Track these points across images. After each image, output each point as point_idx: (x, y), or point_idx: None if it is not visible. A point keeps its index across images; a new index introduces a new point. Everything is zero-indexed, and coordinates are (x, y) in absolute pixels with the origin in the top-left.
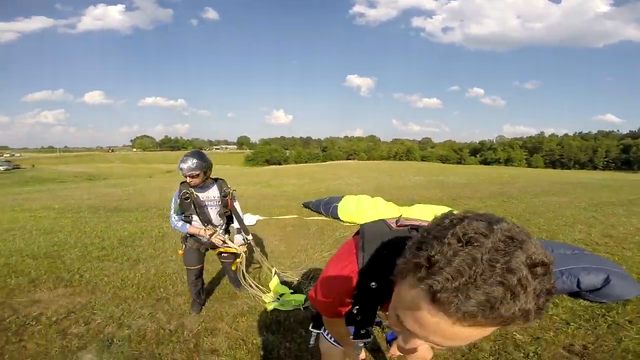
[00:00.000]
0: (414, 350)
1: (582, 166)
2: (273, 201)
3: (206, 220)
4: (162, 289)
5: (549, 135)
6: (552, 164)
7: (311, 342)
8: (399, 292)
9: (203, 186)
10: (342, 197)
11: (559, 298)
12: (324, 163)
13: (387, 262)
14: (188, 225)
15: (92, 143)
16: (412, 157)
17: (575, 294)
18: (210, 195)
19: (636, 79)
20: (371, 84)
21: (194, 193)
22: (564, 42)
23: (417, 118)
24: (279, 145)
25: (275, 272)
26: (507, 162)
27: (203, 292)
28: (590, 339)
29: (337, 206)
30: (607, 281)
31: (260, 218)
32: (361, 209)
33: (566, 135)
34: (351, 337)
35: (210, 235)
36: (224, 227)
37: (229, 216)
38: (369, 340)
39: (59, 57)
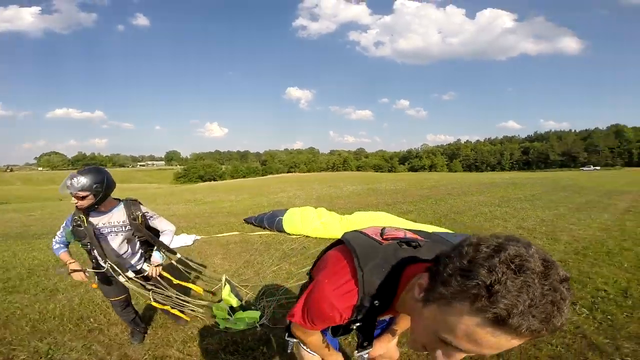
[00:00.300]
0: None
1: (493, 168)
2: (210, 219)
3: (101, 254)
4: (92, 319)
5: (465, 142)
6: (469, 167)
7: (288, 350)
8: (441, 317)
9: (100, 210)
10: (286, 210)
11: None
12: (263, 177)
13: (389, 280)
14: (62, 251)
15: None
16: (348, 167)
17: None
18: (113, 220)
19: (530, 89)
20: (310, 96)
21: (85, 218)
22: (476, 55)
23: (352, 129)
24: (213, 160)
25: (226, 279)
26: (431, 167)
27: (140, 319)
28: None
29: (281, 219)
30: None
31: (198, 237)
32: (306, 220)
33: (478, 141)
34: (355, 351)
35: (73, 272)
36: (137, 255)
37: (146, 241)
38: (370, 349)
39: None
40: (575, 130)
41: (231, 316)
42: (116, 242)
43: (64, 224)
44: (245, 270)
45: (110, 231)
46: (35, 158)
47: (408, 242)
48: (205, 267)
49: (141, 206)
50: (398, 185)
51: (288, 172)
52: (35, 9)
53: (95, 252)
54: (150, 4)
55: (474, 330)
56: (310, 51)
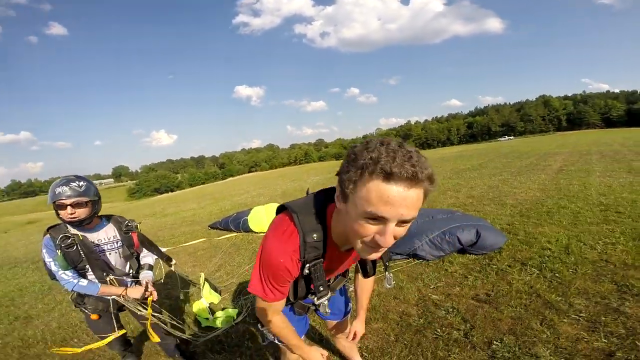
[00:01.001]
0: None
1: (444, 144)
2: (174, 230)
3: (105, 271)
4: (76, 340)
5: (415, 123)
6: (422, 146)
7: (268, 339)
8: (358, 199)
9: (90, 226)
10: (250, 209)
11: (452, 257)
12: (224, 181)
13: (319, 215)
14: (92, 284)
15: None
16: (310, 159)
17: (461, 251)
18: (106, 236)
19: (466, 68)
20: (261, 93)
21: (80, 235)
22: (413, 40)
23: (309, 121)
24: (167, 170)
25: (205, 279)
26: None
27: (131, 345)
28: (488, 287)
29: (247, 219)
30: (478, 235)
31: (164, 249)
32: (271, 216)
33: (427, 121)
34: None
35: (123, 294)
36: (132, 273)
37: (137, 257)
38: (330, 295)
39: None
40: (509, 103)
41: (212, 315)
42: (114, 258)
43: (45, 253)
44: (218, 273)
45: (107, 248)
46: None
47: (327, 190)
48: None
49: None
50: None
51: (249, 172)
52: None
53: (94, 275)
54: (64, 12)
55: (379, 189)
56: (255, 47)
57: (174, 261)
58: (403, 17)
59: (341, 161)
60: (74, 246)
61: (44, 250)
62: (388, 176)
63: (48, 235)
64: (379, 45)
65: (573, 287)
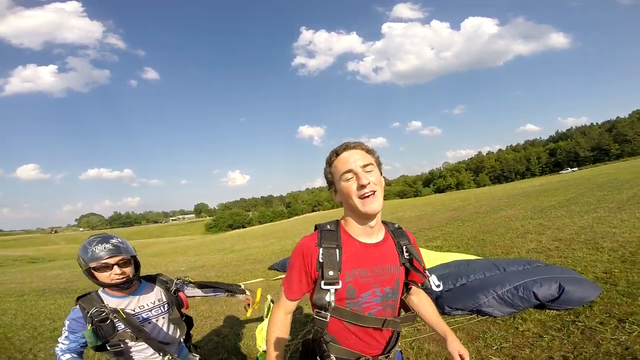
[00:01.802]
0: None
1: (522, 176)
2: (237, 267)
3: (158, 347)
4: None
5: (487, 154)
6: (497, 179)
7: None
8: (336, 177)
9: (128, 290)
10: None
11: (526, 313)
12: (289, 219)
13: (334, 221)
14: None
15: (30, 225)
16: None
17: (540, 306)
18: (150, 300)
19: (538, 88)
20: (322, 132)
21: (118, 308)
22: (472, 65)
23: None
24: (240, 208)
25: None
26: (458, 185)
27: None
28: (567, 348)
29: None
30: (561, 289)
31: None
32: None
33: (500, 150)
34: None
35: None
36: (182, 340)
37: (188, 319)
38: (338, 286)
39: None
40: (597, 123)
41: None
42: (164, 326)
43: (67, 327)
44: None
45: (153, 315)
46: (76, 220)
47: None
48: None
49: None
50: (423, 210)
51: (312, 212)
52: (52, 68)
53: (143, 351)
54: (156, 57)
55: (338, 160)
56: (313, 87)
57: (247, 292)
58: (457, 43)
59: (406, 199)
60: (107, 320)
61: (67, 323)
62: (338, 152)
63: (78, 307)
64: (436, 74)
65: None
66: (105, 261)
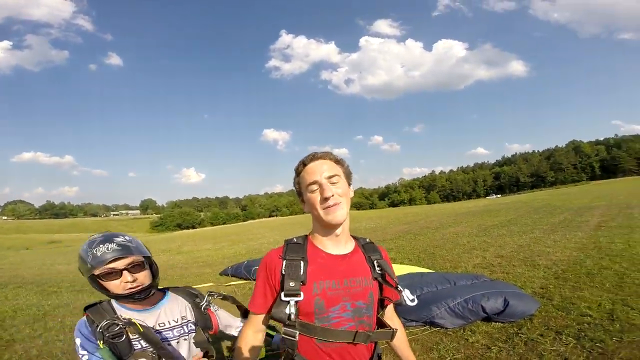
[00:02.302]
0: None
1: (469, 196)
2: (184, 270)
3: None
4: None
5: (439, 173)
6: (446, 197)
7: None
8: (303, 188)
9: (147, 302)
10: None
11: (474, 325)
12: (244, 223)
13: (300, 238)
14: None
15: None
16: None
17: (487, 319)
18: (173, 317)
19: (491, 114)
20: (287, 137)
21: (133, 320)
22: (437, 86)
23: None
24: (191, 208)
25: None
26: (411, 201)
27: None
28: (514, 359)
29: (257, 268)
30: (506, 303)
31: None
32: None
33: (452, 171)
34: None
35: None
36: None
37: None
38: (299, 298)
39: None
40: (538, 151)
41: None
42: (185, 349)
43: (81, 347)
44: None
45: (170, 336)
46: (0, 206)
47: None
48: None
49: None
50: (378, 223)
51: (270, 217)
52: (6, 44)
53: None
54: (124, 43)
55: (305, 171)
56: (284, 92)
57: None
58: (426, 64)
59: (362, 211)
60: (122, 335)
61: (76, 341)
62: (306, 163)
63: (84, 319)
64: (402, 92)
65: (617, 358)
66: (111, 265)
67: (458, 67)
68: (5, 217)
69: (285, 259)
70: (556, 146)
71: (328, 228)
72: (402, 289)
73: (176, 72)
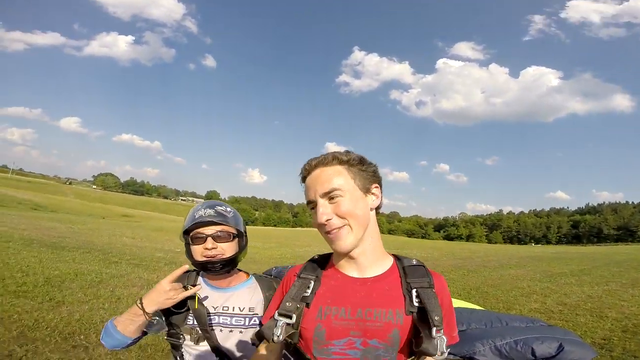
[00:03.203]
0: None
1: (537, 241)
2: None
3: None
4: (82, 337)
5: (507, 213)
6: (510, 239)
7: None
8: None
9: (224, 281)
10: None
11: None
12: (293, 229)
13: (323, 256)
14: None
15: (50, 171)
16: (380, 230)
17: None
18: (242, 304)
19: (581, 154)
20: None
21: (197, 294)
22: (521, 117)
23: (387, 191)
24: (249, 205)
25: None
26: (469, 237)
27: None
28: None
29: None
30: (560, 348)
31: None
32: None
33: (522, 212)
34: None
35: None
36: None
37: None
38: (290, 321)
39: (53, 76)
40: (632, 202)
41: None
42: (230, 343)
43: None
44: None
45: (228, 323)
46: (93, 176)
47: None
48: None
49: None
50: (429, 253)
51: None
52: (130, 38)
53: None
54: (219, 47)
55: (306, 186)
56: (351, 108)
57: None
58: (511, 91)
59: (413, 239)
60: (184, 305)
61: None
62: (304, 175)
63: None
64: (480, 119)
65: None
66: (201, 229)
67: (549, 97)
68: (95, 187)
69: (299, 277)
70: None
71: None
72: (440, 336)
73: (258, 78)
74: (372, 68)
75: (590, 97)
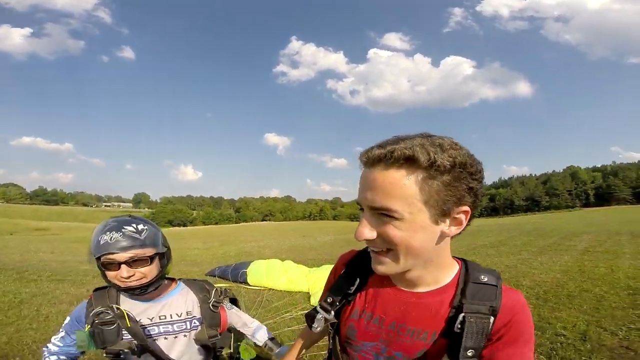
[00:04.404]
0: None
1: None
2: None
3: None
4: (17, 358)
5: None
6: None
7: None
8: None
9: (154, 293)
10: (251, 262)
11: None
12: (236, 225)
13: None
14: None
15: None
16: (324, 216)
17: None
18: (178, 311)
19: (492, 135)
20: (288, 143)
21: (125, 313)
22: (442, 103)
23: (328, 178)
24: (184, 205)
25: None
26: None
27: None
28: None
29: (245, 272)
30: None
31: None
32: (271, 274)
33: None
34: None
35: None
36: None
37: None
38: (328, 316)
39: None
40: (535, 175)
41: None
42: (175, 351)
43: (68, 321)
44: None
45: (164, 331)
46: None
47: None
48: None
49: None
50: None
51: (263, 221)
52: (27, 31)
53: None
54: (139, 38)
55: (360, 177)
56: (289, 97)
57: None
58: (433, 80)
59: (356, 223)
60: (113, 323)
61: (67, 320)
62: (363, 162)
63: (86, 302)
64: (407, 106)
65: None
66: (111, 256)
67: (464, 85)
68: None
69: (347, 269)
70: (553, 171)
71: None
72: None
73: (185, 69)
74: (309, 58)
75: (498, 84)
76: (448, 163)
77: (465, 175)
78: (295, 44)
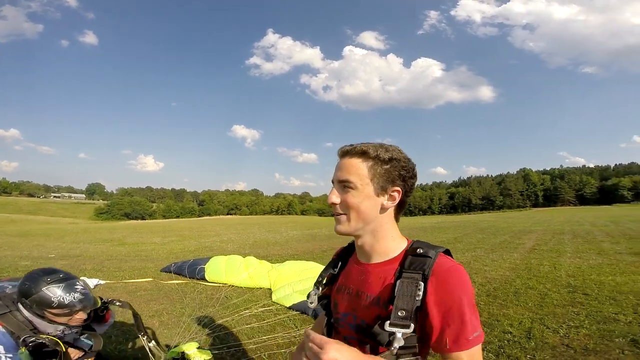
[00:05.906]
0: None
1: (424, 212)
2: (122, 262)
3: None
4: None
5: None
6: (403, 213)
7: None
8: None
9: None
10: (210, 258)
11: None
12: (199, 218)
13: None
14: None
15: None
16: (293, 211)
17: None
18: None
19: (454, 136)
20: (257, 136)
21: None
22: (410, 103)
23: (298, 173)
24: (143, 197)
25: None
26: None
27: None
28: None
29: (203, 268)
30: None
31: (102, 282)
32: (231, 270)
33: None
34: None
35: None
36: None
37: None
38: (318, 292)
39: None
40: (492, 175)
41: None
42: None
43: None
44: (149, 319)
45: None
46: None
47: None
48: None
49: None
50: (330, 230)
51: (228, 214)
52: None
53: None
54: (103, 22)
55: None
56: (261, 90)
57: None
58: (403, 80)
59: (324, 218)
60: (50, 349)
61: None
62: (338, 154)
63: (2, 329)
64: (377, 105)
65: None
66: (79, 311)
67: (432, 87)
68: None
69: (338, 255)
70: (508, 172)
71: None
72: (393, 330)
73: (150, 56)
74: (284, 51)
75: (464, 88)
76: (387, 157)
77: (398, 167)
78: (271, 37)
